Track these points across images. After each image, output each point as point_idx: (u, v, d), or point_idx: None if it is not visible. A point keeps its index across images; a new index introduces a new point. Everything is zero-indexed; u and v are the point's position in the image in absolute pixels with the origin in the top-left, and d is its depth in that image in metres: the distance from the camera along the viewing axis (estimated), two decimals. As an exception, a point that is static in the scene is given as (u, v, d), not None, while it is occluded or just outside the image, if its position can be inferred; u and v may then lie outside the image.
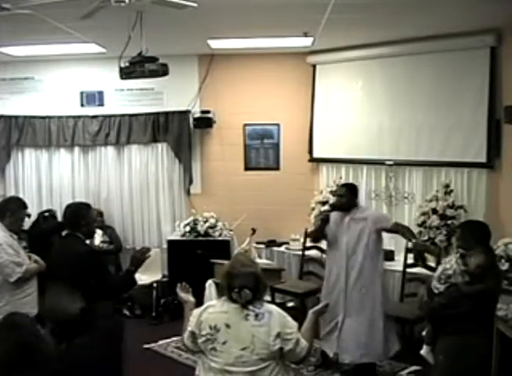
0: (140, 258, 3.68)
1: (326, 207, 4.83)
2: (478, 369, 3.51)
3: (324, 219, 4.79)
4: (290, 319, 2.77)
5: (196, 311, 2.83)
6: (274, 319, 2.69)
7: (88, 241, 3.99)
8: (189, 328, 2.79)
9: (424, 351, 3.77)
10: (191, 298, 3.05)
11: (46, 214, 6.29)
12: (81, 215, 3.69)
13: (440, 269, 3.68)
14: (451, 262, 3.60)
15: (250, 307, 2.71)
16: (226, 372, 2.66)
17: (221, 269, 2.93)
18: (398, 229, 4.66)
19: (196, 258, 6.37)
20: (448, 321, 3.48)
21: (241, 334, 2.66)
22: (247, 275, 2.73)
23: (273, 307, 2.81)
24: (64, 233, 3.76)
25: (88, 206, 3.92)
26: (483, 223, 3.82)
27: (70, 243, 3.64)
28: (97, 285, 3.45)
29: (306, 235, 5.82)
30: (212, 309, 2.78)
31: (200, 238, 6.60)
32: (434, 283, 3.65)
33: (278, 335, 2.66)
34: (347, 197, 4.77)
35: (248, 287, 2.69)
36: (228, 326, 2.68)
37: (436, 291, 3.62)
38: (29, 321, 2.04)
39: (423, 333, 3.91)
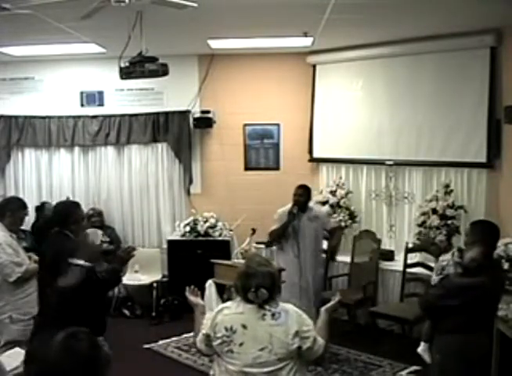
0: (125, 257, 3.71)
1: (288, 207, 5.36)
2: (475, 369, 3.49)
3: (295, 214, 5.23)
4: (306, 317, 2.74)
5: (210, 313, 2.79)
6: (291, 318, 2.67)
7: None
8: (203, 331, 2.74)
9: (421, 349, 3.75)
10: (201, 302, 3.02)
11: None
12: (70, 213, 3.70)
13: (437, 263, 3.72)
14: (447, 255, 3.63)
15: (267, 307, 2.68)
16: (244, 373, 2.62)
17: (236, 270, 2.89)
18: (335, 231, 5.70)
19: (196, 258, 6.37)
20: (442, 315, 3.45)
21: (258, 334, 2.63)
22: (264, 274, 2.71)
23: (289, 306, 2.78)
24: (54, 230, 3.77)
25: (77, 204, 3.93)
26: (492, 223, 3.78)
27: (57, 240, 3.65)
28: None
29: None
30: (227, 311, 2.74)
31: (200, 238, 6.60)
32: (433, 275, 3.67)
33: (296, 334, 2.63)
34: (305, 197, 5.33)
35: (265, 287, 2.67)
36: (244, 326, 2.65)
37: (432, 283, 3.64)
38: (90, 345, 1.86)
39: (419, 350, 3.87)
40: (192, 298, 3.02)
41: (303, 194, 5.31)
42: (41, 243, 4.71)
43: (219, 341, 2.67)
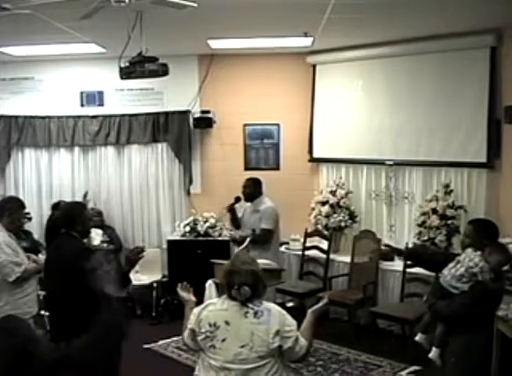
0: (134, 258, 3.68)
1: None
2: (481, 367, 3.50)
3: (229, 210, 5.68)
4: (289, 317, 2.78)
5: (196, 309, 2.85)
6: (273, 317, 2.70)
7: (85, 240, 4.00)
8: (189, 326, 2.81)
9: (433, 354, 3.62)
10: (192, 298, 3.07)
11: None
12: (76, 214, 3.69)
13: (461, 268, 3.47)
14: (474, 260, 3.47)
15: (250, 305, 2.72)
16: (225, 369, 2.67)
17: (222, 267, 2.95)
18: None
19: (196, 258, 6.36)
20: (466, 320, 3.43)
21: (240, 331, 2.68)
22: (247, 272, 2.75)
23: (272, 305, 2.82)
24: (61, 232, 3.77)
25: (82, 205, 3.93)
26: (491, 221, 3.77)
27: (64, 242, 3.65)
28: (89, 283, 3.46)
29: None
30: (212, 307, 2.80)
31: (200, 238, 6.60)
32: (452, 283, 3.46)
33: (277, 333, 2.67)
34: (249, 188, 5.58)
35: (247, 285, 2.71)
36: (227, 323, 2.70)
37: (456, 291, 3.43)
38: (24, 325, 2.03)
39: (417, 338, 3.82)
40: (183, 294, 3.08)
41: (248, 186, 5.58)
42: (49, 242, 4.71)
43: (203, 336, 2.73)
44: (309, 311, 2.92)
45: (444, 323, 3.62)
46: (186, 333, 2.85)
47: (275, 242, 5.66)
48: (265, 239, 5.41)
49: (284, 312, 2.79)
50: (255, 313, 2.70)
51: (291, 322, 2.76)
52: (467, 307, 3.41)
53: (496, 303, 3.51)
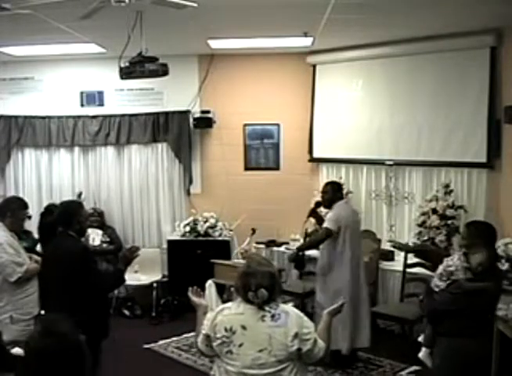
0: (129, 256, 3.72)
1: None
2: (475, 372, 3.49)
3: (310, 215, 5.30)
4: (306, 319, 2.72)
5: (211, 314, 2.77)
6: (291, 320, 2.64)
7: (83, 239, 4.01)
8: (203, 331, 2.72)
9: (422, 354, 3.71)
10: (203, 302, 3.00)
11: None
12: (73, 213, 3.71)
13: (441, 266, 3.65)
14: (453, 260, 3.59)
15: (267, 308, 2.65)
16: (243, 375, 2.60)
17: (237, 270, 2.87)
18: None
19: (196, 258, 6.37)
20: (447, 320, 3.46)
21: (258, 335, 2.61)
22: (264, 274, 2.68)
23: (289, 307, 2.77)
24: (58, 231, 3.78)
25: (79, 204, 3.94)
26: (489, 224, 3.79)
27: (62, 241, 3.66)
28: (87, 282, 3.47)
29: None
30: (227, 311, 2.72)
31: (200, 238, 6.60)
32: (435, 280, 3.62)
33: (296, 336, 2.61)
34: (328, 194, 5.10)
35: (264, 287, 2.64)
36: (244, 328, 2.63)
37: (436, 289, 3.59)
38: (70, 326, 1.87)
39: (420, 338, 3.87)
40: (195, 299, 3.00)
41: (326, 191, 5.13)
42: (45, 243, 4.70)
43: (219, 341, 2.65)
44: (325, 312, 2.89)
45: (428, 322, 3.67)
46: (200, 339, 2.75)
47: (343, 253, 4.96)
48: (317, 235, 4.97)
49: (301, 314, 2.73)
50: (272, 316, 2.63)
51: (309, 324, 2.70)
52: (444, 305, 3.49)
53: (481, 305, 3.44)
